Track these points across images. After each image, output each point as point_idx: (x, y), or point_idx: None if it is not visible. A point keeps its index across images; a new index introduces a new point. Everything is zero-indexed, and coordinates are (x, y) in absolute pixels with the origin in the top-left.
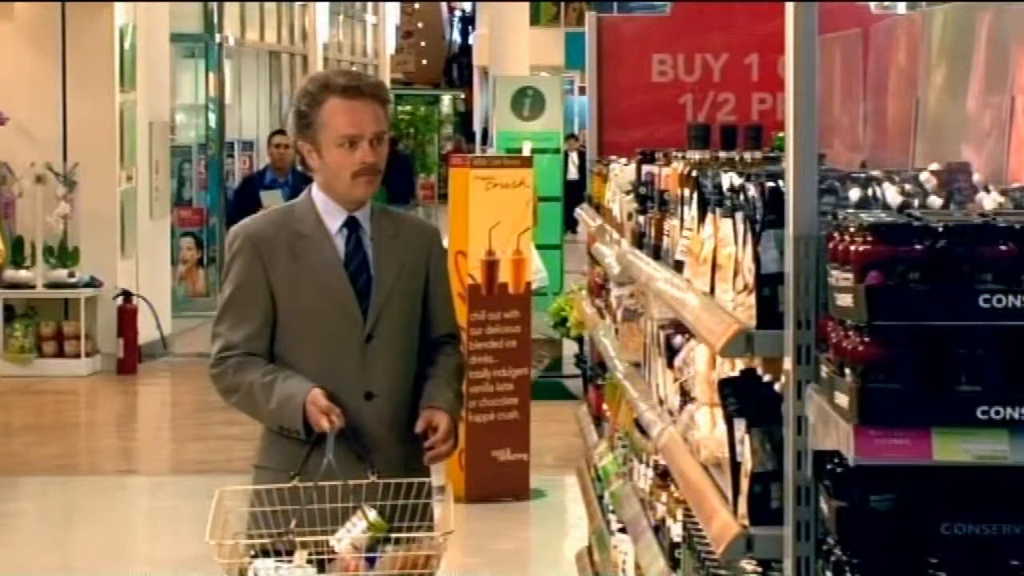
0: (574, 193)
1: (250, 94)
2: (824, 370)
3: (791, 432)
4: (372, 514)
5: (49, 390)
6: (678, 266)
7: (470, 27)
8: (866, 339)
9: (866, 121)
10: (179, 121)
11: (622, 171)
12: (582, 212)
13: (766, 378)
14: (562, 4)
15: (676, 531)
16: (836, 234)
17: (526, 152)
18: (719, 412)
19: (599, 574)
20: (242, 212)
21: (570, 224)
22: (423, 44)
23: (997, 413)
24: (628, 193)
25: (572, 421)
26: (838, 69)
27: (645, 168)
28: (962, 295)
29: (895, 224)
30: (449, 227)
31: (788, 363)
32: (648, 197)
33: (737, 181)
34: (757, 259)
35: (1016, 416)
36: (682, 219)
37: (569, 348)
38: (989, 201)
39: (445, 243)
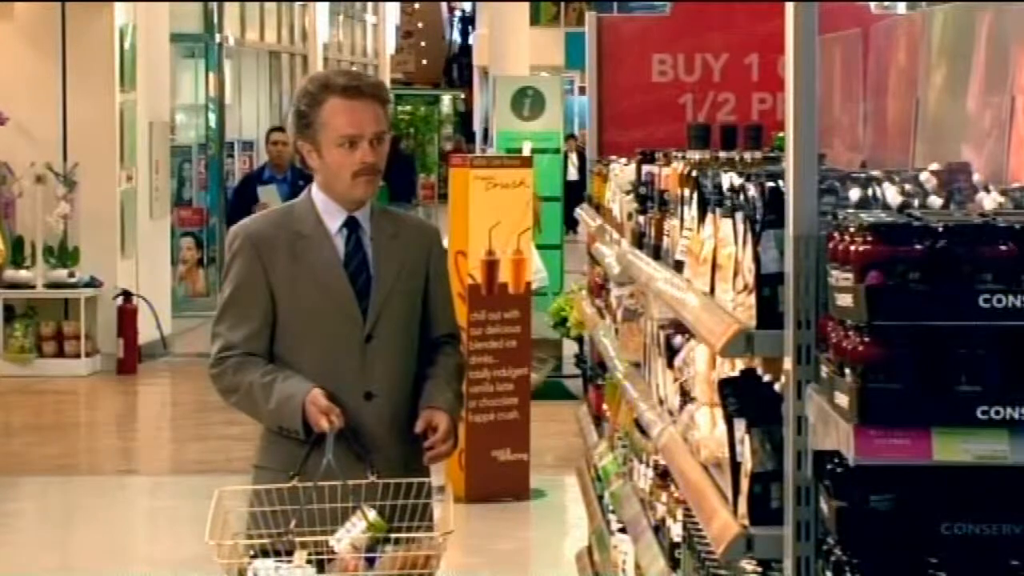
0: (574, 193)
1: (250, 94)
2: (824, 370)
3: (791, 432)
4: (372, 514)
5: (49, 390)
6: (678, 266)
7: (470, 27)
8: (866, 339)
9: (866, 121)
10: (179, 121)
11: (622, 171)
12: (582, 212)
13: (766, 378)
14: (562, 4)
15: (676, 531)
16: (836, 234)
17: (526, 152)
18: (719, 412)
19: (599, 574)
20: (242, 210)
21: (570, 224)
22: (423, 44)
23: (997, 413)
24: (628, 193)
25: (572, 421)
26: (838, 69)
27: (645, 168)
28: (962, 295)
29: (895, 224)
30: (449, 227)
31: (788, 363)
32: (648, 197)
33: (737, 181)
34: (757, 259)
35: (1016, 416)
36: (682, 219)
37: (569, 348)
38: (989, 201)
39: (445, 243)
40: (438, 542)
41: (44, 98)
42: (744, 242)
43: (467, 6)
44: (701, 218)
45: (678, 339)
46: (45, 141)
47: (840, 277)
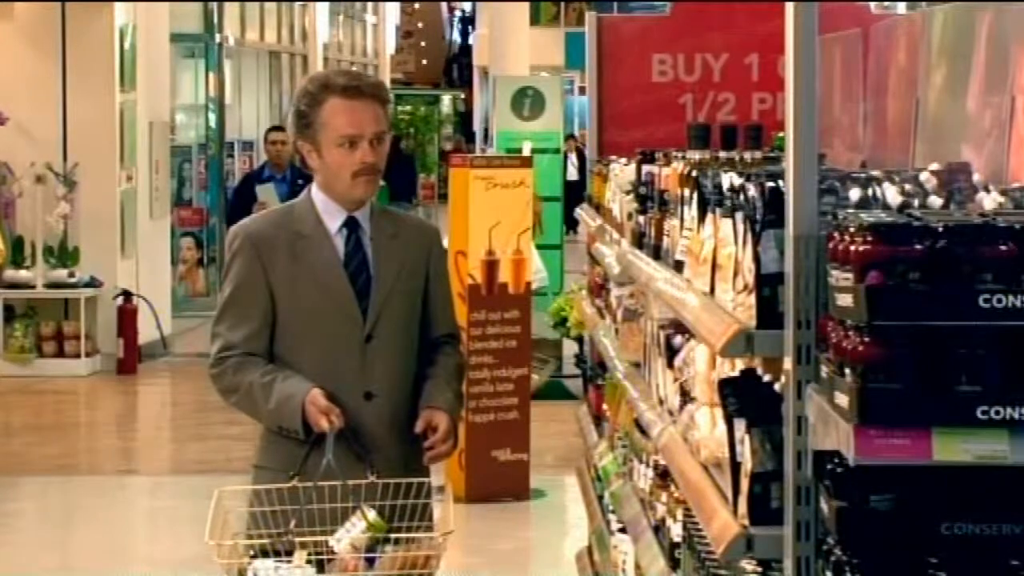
0: (574, 193)
1: (250, 94)
2: (824, 370)
3: (791, 432)
4: (371, 514)
5: (49, 390)
6: (678, 266)
7: (470, 27)
8: (866, 339)
9: (866, 121)
10: (179, 121)
11: (622, 171)
12: (582, 212)
13: (766, 378)
14: (562, 4)
15: (676, 531)
16: (836, 234)
17: (526, 152)
18: (719, 412)
19: (599, 574)
20: (241, 210)
21: (570, 224)
22: (423, 44)
23: (997, 413)
24: (628, 193)
25: (572, 421)
26: (838, 69)
27: (645, 168)
28: (962, 295)
29: (895, 224)
30: (449, 227)
31: (788, 363)
32: (648, 197)
33: (737, 181)
34: (757, 259)
35: (1016, 416)
36: (682, 219)
37: (569, 348)
38: (989, 201)
39: (445, 243)
40: (438, 542)
41: (44, 98)
42: (744, 242)
43: (467, 6)
44: (701, 218)
45: (678, 339)
46: (45, 141)
47: (840, 277)
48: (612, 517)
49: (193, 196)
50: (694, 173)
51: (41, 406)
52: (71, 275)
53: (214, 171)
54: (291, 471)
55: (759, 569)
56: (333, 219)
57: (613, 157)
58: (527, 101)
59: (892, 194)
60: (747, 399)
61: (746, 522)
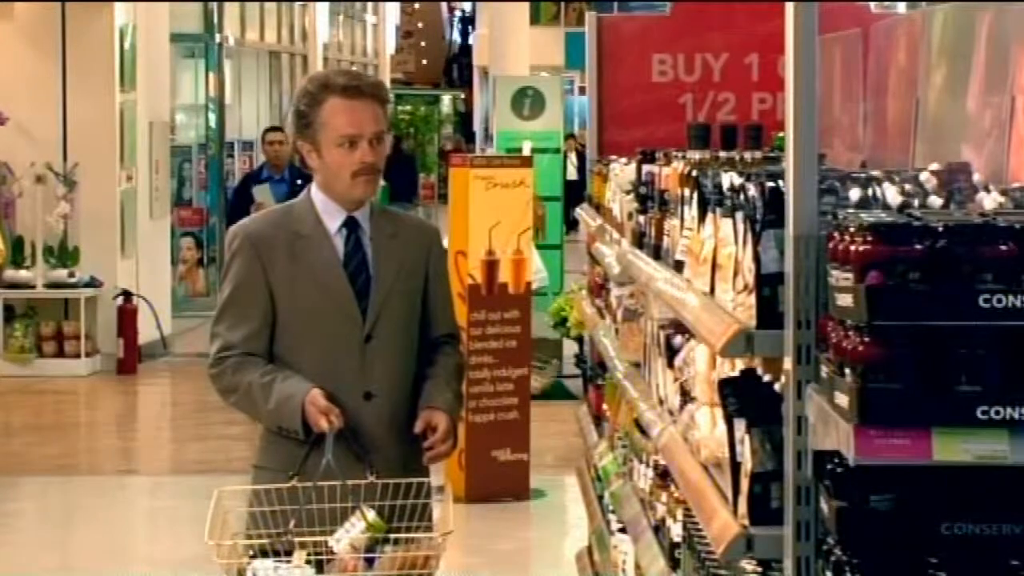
0: (574, 193)
1: (250, 94)
2: (824, 370)
3: (791, 432)
4: (371, 514)
5: (49, 390)
6: (678, 266)
7: (470, 27)
8: (866, 339)
9: (866, 121)
10: (179, 121)
11: (622, 171)
12: (582, 212)
13: (766, 378)
14: (562, 4)
15: (676, 531)
16: (836, 234)
17: (526, 152)
18: (719, 412)
19: (599, 574)
20: (241, 210)
21: (570, 224)
22: (423, 44)
23: (997, 413)
24: (628, 193)
25: (572, 421)
26: (838, 69)
27: (645, 168)
28: (962, 295)
29: (895, 224)
30: (449, 227)
31: (788, 363)
32: (648, 197)
33: (737, 181)
34: (757, 259)
35: (1016, 416)
36: (682, 219)
37: (569, 348)
38: (989, 201)
39: (445, 243)
40: (437, 542)
41: (44, 98)
42: (744, 242)
43: (467, 6)
44: (701, 218)
45: (678, 339)
46: (45, 141)
47: (840, 277)
48: (612, 517)
49: (193, 196)
50: (694, 173)
51: (41, 406)
52: (71, 275)
53: (214, 171)
54: (291, 471)
55: (759, 569)
56: (333, 219)
57: (613, 157)
58: (527, 101)
59: (892, 194)
60: (747, 399)
61: (746, 522)
